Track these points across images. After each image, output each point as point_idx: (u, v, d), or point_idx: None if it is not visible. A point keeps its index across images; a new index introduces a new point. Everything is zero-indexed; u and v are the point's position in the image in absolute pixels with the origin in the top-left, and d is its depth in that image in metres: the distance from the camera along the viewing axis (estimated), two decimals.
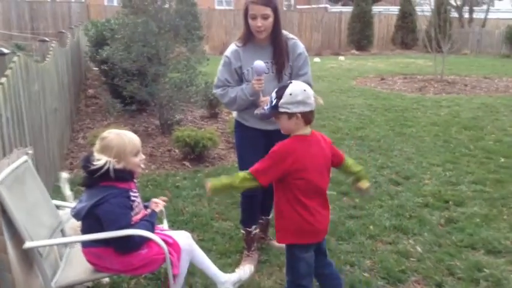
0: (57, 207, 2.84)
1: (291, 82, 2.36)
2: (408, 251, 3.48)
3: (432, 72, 13.03)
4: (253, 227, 3.35)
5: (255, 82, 2.93)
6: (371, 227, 3.85)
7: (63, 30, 7.54)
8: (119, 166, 2.40)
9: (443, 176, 5.09)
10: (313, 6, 26.44)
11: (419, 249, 3.52)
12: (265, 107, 2.41)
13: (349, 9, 25.06)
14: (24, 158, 2.62)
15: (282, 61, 3.06)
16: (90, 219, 2.39)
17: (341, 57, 18.84)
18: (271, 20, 2.93)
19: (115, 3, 26.33)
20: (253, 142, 3.16)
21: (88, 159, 2.42)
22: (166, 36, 6.39)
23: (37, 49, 10.49)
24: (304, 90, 2.30)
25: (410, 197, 4.48)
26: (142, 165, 2.55)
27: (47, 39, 5.58)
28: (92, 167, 2.36)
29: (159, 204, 2.69)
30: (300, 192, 2.33)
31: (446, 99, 9.89)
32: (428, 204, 4.32)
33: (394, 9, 25.66)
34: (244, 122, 3.21)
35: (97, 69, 9.06)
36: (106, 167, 2.35)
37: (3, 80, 2.75)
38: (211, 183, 2.37)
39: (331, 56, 20.24)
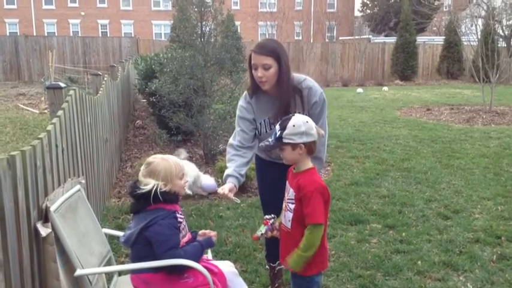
0: (106, 235, 2.93)
1: (293, 114, 2.45)
2: None
3: (480, 103, 12.69)
4: (277, 262, 3.27)
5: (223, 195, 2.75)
6: (419, 262, 3.73)
7: (115, 64, 7.87)
8: (165, 189, 2.45)
9: (495, 211, 4.89)
10: (356, 37, 26.50)
11: (470, 286, 3.37)
12: (270, 139, 2.46)
13: (392, 39, 24.96)
14: (77, 187, 2.73)
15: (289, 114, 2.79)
16: (139, 244, 2.43)
17: (385, 88, 18.67)
18: (273, 70, 2.71)
19: (163, 38, 27.38)
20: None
21: (135, 186, 2.48)
22: (212, 69, 6.57)
23: (89, 82, 11.00)
24: (307, 121, 2.39)
25: (460, 232, 4.33)
26: (186, 188, 2.60)
27: (100, 73, 5.84)
28: (140, 192, 2.42)
29: (212, 234, 2.70)
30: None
31: (496, 130, 9.58)
32: (479, 240, 4.15)
33: (439, 40, 25.37)
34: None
35: (145, 101, 9.37)
36: (154, 190, 2.40)
37: (60, 112, 2.90)
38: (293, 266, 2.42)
39: (374, 87, 20.10)
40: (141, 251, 2.44)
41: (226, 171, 2.88)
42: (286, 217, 2.48)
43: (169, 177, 2.46)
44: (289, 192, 2.47)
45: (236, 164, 2.89)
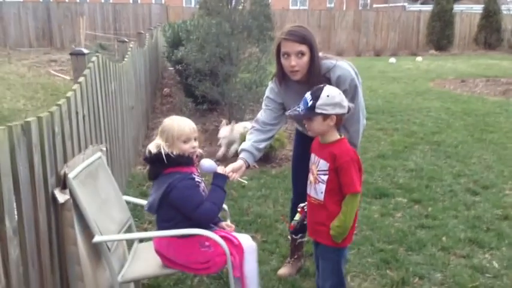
0: (128, 203, 2.95)
1: (325, 85, 2.36)
2: (484, 266, 3.26)
3: None
4: (300, 235, 3.24)
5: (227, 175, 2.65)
6: (444, 238, 3.65)
7: (142, 31, 7.85)
8: (170, 150, 2.43)
9: None
10: (391, 5, 25.65)
11: (496, 264, 3.29)
12: (299, 108, 2.36)
13: (428, 7, 24.03)
14: (98, 154, 2.74)
15: None
16: (164, 209, 2.47)
17: (418, 58, 18.09)
18: (306, 58, 2.57)
19: (193, 4, 27.17)
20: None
21: (149, 152, 2.49)
22: (238, 36, 6.46)
23: (118, 49, 11.04)
24: (340, 93, 2.34)
25: (488, 208, 4.20)
26: (198, 151, 2.56)
27: (126, 39, 5.83)
28: (151, 156, 2.44)
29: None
30: None
31: None
32: (508, 217, 4.03)
33: (478, 8, 24.27)
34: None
35: (172, 69, 9.36)
36: (163, 153, 2.40)
37: (82, 79, 2.89)
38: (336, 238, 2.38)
39: (408, 57, 19.50)
40: (167, 214, 2.48)
41: (242, 145, 2.84)
42: (318, 189, 2.40)
43: (171, 139, 2.44)
44: (319, 164, 2.39)
45: (256, 138, 2.85)
